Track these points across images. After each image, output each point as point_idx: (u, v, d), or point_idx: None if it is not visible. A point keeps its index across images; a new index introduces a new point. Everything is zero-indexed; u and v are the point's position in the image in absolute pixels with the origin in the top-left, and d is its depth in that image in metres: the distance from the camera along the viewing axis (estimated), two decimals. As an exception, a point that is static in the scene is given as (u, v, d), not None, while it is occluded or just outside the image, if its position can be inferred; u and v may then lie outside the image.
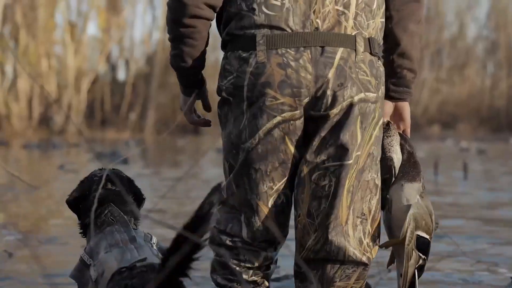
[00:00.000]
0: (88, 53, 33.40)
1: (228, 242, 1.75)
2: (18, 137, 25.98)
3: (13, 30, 31.17)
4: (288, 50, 1.63)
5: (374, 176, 1.73)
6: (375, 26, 1.73)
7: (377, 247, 1.79)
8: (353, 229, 1.72)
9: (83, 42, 31.80)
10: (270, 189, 1.73)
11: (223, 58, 1.79)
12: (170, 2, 1.76)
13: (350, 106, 1.67)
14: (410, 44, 1.78)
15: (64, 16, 31.49)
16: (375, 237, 1.78)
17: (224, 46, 1.79)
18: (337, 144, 1.67)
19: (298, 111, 1.67)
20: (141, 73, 37.02)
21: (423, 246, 1.83)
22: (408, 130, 1.87)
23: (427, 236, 1.82)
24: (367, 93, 1.68)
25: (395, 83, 1.81)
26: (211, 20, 1.78)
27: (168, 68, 38.81)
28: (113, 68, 38.59)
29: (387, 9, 1.79)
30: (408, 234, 1.77)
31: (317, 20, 1.65)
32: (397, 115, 1.85)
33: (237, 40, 1.70)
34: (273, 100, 1.66)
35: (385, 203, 1.85)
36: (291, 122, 1.67)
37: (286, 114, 1.67)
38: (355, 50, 1.67)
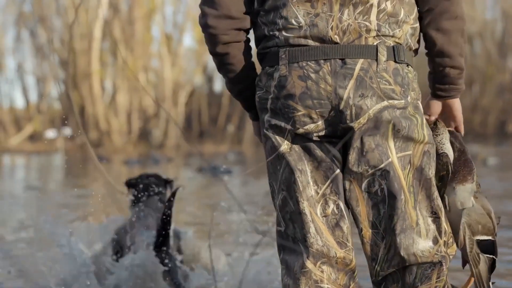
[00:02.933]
0: (184, 65, 33.49)
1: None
2: (118, 152, 26.06)
3: (112, 45, 31.63)
4: (308, 62, 1.71)
5: (434, 173, 1.75)
6: (403, 33, 1.76)
7: (455, 244, 1.78)
8: (426, 229, 1.71)
9: (179, 54, 31.84)
10: (316, 193, 1.75)
11: (258, 76, 1.87)
12: (204, 37, 1.85)
13: (377, 113, 1.71)
14: (447, 42, 1.79)
15: (160, 28, 31.64)
16: (452, 234, 1.77)
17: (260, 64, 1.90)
18: (372, 149, 1.71)
19: (320, 123, 1.73)
20: (237, 84, 36.68)
21: (487, 247, 1.85)
22: (461, 127, 1.90)
23: (489, 237, 1.85)
24: (390, 101, 1.72)
25: (440, 81, 1.83)
26: (244, 41, 1.84)
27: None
28: (209, 79, 38.67)
29: (419, 11, 1.80)
30: (467, 243, 1.82)
31: (336, 36, 1.71)
32: (446, 112, 1.88)
33: (265, 57, 1.80)
34: (294, 111, 1.72)
35: (443, 202, 1.84)
36: (318, 134, 1.73)
37: (309, 127, 1.73)
38: (377, 60, 1.71)
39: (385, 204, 1.73)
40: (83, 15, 30.59)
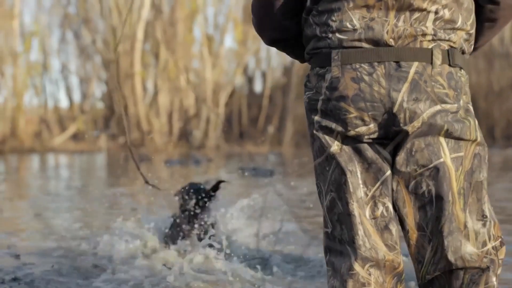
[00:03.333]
0: (225, 66, 33.59)
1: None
2: (160, 152, 26.28)
3: (154, 46, 31.93)
4: (362, 65, 1.70)
5: (485, 176, 1.75)
6: (459, 37, 1.77)
7: (504, 248, 1.73)
8: (475, 233, 1.69)
9: (220, 55, 31.94)
10: (365, 195, 1.73)
11: (306, 76, 1.92)
12: None
13: (430, 118, 1.70)
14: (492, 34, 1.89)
15: (201, 29, 31.77)
16: (500, 238, 1.74)
17: (308, 63, 1.91)
18: (422, 148, 1.69)
19: (372, 125, 1.72)
20: (278, 85, 36.78)
21: None
22: None
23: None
24: (443, 105, 1.72)
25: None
26: (293, 37, 1.91)
27: (306, 79, 38.49)
28: (250, 80, 38.72)
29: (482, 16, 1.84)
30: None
31: (391, 39, 1.70)
32: None
33: (315, 58, 1.81)
34: (346, 113, 1.72)
35: None
36: (370, 137, 1.73)
37: (360, 129, 1.73)
38: (432, 63, 1.70)
39: (432, 205, 1.71)
40: (126, 16, 31.00)
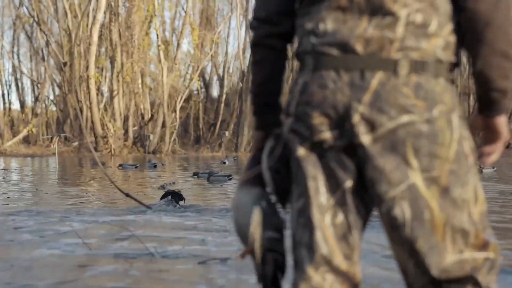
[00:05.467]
0: (181, 70, 33.46)
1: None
2: (114, 156, 25.95)
3: (109, 49, 31.57)
4: (329, 72, 1.70)
5: (460, 192, 1.69)
6: (432, 45, 1.70)
7: (483, 254, 1.72)
8: (453, 244, 1.69)
9: (177, 59, 31.76)
10: (327, 201, 1.72)
11: (280, 88, 1.93)
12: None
13: (393, 130, 1.65)
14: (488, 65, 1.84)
15: (158, 33, 31.56)
16: (480, 246, 1.72)
17: None
18: (389, 169, 1.65)
19: (336, 133, 1.69)
20: (234, 90, 36.76)
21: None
22: (499, 145, 1.85)
23: (278, 235, 1.82)
24: (410, 116, 1.65)
25: (480, 100, 1.79)
26: (278, 49, 1.89)
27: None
28: (206, 85, 38.63)
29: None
30: (257, 237, 1.81)
31: (358, 45, 1.67)
32: (490, 128, 1.82)
33: (300, 63, 1.82)
34: (311, 119, 1.71)
35: None
36: (331, 143, 1.70)
37: (323, 135, 1.70)
38: (396, 74, 1.66)
39: (406, 226, 1.68)
40: (81, 19, 30.51)
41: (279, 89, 1.90)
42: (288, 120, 1.77)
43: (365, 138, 1.67)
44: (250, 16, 38.42)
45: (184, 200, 7.37)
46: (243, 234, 1.83)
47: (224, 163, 20.54)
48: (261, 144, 1.93)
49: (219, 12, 36.17)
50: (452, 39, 1.74)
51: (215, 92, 37.52)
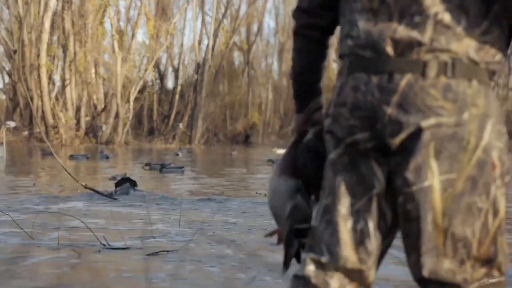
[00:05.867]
0: (136, 60, 33.04)
1: None
2: (65, 147, 25.50)
3: (62, 38, 30.93)
4: (361, 74, 1.73)
5: (476, 200, 1.69)
6: (464, 46, 1.70)
7: (484, 270, 1.72)
8: (453, 251, 1.70)
9: (131, 49, 31.35)
10: (353, 206, 1.77)
11: (320, 77, 1.98)
12: None
13: (418, 132, 1.67)
14: None
15: (112, 22, 31.06)
16: (483, 260, 1.72)
17: None
18: (409, 169, 1.68)
19: (367, 135, 1.73)
20: (190, 82, 36.51)
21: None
22: None
23: (307, 226, 1.92)
24: (438, 118, 1.66)
25: None
26: (316, 40, 1.94)
27: (218, 76, 38.54)
28: (161, 76, 38.28)
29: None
30: (288, 225, 1.95)
31: (389, 48, 1.70)
32: None
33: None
34: (344, 120, 1.76)
35: None
36: (363, 144, 1.75)
37: (356, 136, 1.74)
38: (424, 75, 1.67)
39: (412, 223, 1.72)
40: (33, 6, 29.83)
41: (319, 77, 1.95)
42: (327, 120, 1.81)
43: (393, 138, 1.69)
44: (206, 8, 37.74)
45: (137, 185, 7.38)
46: (276, 217, 1.94)
47: (177, 155, 20.39)
48: (301, 128, 1.99)
49: (175, 2, 35.83)
50: (489, 39, 1.73)
51: (170, 83, 37.30)
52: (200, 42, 34.99)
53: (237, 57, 39.43)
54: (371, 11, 1.74)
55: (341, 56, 1.84)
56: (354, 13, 1.77)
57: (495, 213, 1.72)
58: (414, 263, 1.74)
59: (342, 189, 1.78)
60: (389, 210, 1.79)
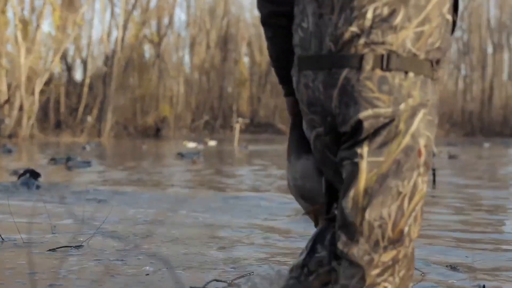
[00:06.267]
0: (42, 52, 31.87)
1: None
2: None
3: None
4: (309, 72, 1.82)
5: (399, 183, 1.78)
6: (400, 38, 1.74)
7: (395, 251, 1.80)
8: (369, 230, 1.78)
9: (36, 40, 30.22)
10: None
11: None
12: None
13: (358, 123, 1.76)
14: None
15: (16, 12, 29.85)
16: (395, 243, 1.79)
17: None
18: (345, 147, 1.80)
19: (322, 128, 1.84)
20: (98, 74, 35.64)
21: None
22: None
23: None
24: (375, 109, 1.74)
25: None
26: (283, 26, 1.96)
27: (128, 69, 37.81)
28: (69, 68, 37.16)
29: None
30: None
31: (330, 43, 1.77)
32: None
33: None
34: (306, 115, 1.87)
35: None
36: (323, 137, 1.85)
37: (317, 130, 1.85)
38: (361, 69, 1.74)
39: (340, 195, 1.84)
40: None
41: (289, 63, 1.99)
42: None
43: (341, 128, 1.79)
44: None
45: (40, 176, 7.11)
46: (310, 198, 2.03)
47: (85, 148, 19.88)
48: (294, 109, 2.04)
49: (82, -7, 34.84)
50: (426, 29, 1.76)
51: (78, 76, 36.23)
52: (109, 34, 34.21)
53: (148, 50, 38.86)
54: (317, 2, 1.79)
55: (294, 46, 1.88)
56: (305, 4, 1.82)
57: (411, 198, 1.79)
58: (333, 233, 1.87)
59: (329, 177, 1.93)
60: None
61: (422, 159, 1.79)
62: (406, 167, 1.78)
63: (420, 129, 1.78)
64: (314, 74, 1.80)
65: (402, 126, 1.76)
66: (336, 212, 1.90)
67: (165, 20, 38.26)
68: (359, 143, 1.78)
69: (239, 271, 2.95)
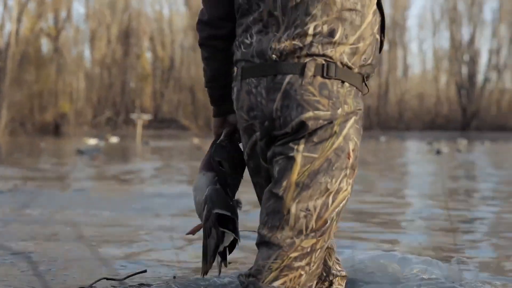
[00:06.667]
0: None
1: None
2: None
3: None
4: (252, 79, 1.96)
5: (328, 180, 1.93)
6: (338, 52, 1.94)
7: (314, 240, 1.94)
8: (295, 220, 1.91)
9: None
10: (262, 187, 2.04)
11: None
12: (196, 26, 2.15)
13: (300, 124, 1.91)
14: None
15: None
16: (317, 232, 1.94)
17: None
18: (282, 143, 1.94)
19: (260, 133, 1.97)
20: (-9, 68, 34.04)
21: (226, 222, 2.09)
22: None
23: (228, 213, 2.09)
24: (316, 112, 1.90)
25: None
26: (222, 49, 2.10)
27: (23, 63, 36.39)
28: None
29: None
30: (204, 214, 2.10)
31: (274, 55, 1.93)
32: None
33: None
34: (244, 122, 1.99)
35: None
36: (259, 142, 1.99)
37: (255, 135, 1.98)
38: (303, 75, 1.90)
39: (271, 183, 1.97)
40: None
41: (230, 82, 2.11)
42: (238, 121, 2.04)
43: (280, 130, 1.93)
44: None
45: None
46: (198, 212, 2.11)
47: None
48: (219, 130, 2.19)
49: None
50: (361, 46, 1.97)
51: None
52: (2, 27, 32.78)
53: (45, 44, 37.56)
54: (261, 21, 1.97)
55: (235, 62, 2.04)
56: (249, 24, 2.00)
57: (336, 195, 1.95)
58: (261, 220, 1.97)
59: (258, 189, 2.08)
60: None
61: (350, 161, 1.95)
62: (336, 166, 1.94)
63: (350, 134, 1.95)
64: (257, 81, 1.95)
65: (336, 128, 1.93)
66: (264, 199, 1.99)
67: (63, 13, 37.10)
68: (296, 140, 1.92)
69: (131, 269, 2.89)
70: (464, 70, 45.84)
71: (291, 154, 1.91)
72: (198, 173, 2.15)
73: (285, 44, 1.92)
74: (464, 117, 43.69)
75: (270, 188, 1.95)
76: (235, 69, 2.04)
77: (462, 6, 46.95)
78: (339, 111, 1.92)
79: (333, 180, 1.93)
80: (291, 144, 1.92)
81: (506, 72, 41.78)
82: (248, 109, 1.96)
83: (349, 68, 1.95)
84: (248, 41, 1.98)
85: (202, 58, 2.14)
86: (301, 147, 1.92)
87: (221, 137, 2.15)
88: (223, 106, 2.16)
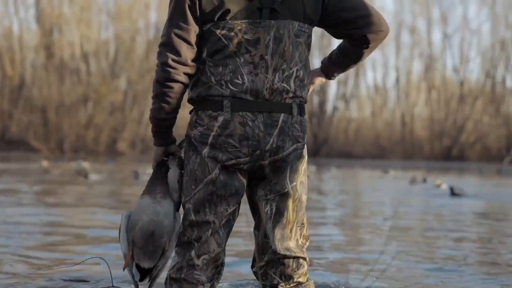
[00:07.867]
0: None
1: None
2: None
3: None
4: (248, 113, 2.38)
5: (305, 197, 2.51)
6: (305, 92, 2.49)
7: (303, 241, 2.53)
8: (295, 234, 2.48)
9: None
10: (226, 211, 2.44)
11: (194, 114, 2.46)
12: (158, 69, 2.40)
13: (288, 154, 2.44)
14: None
15: None
16: (306, 238, 2.55)
17: (192, 103, 2.50)
18: (276, 182, 2.46)
19: (248, 158, 2.41)
20: None
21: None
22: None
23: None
24: (297, 144, 2.46)
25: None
26: (186, 84, 2.43)
27: None
28: None
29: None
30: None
31: (267, 94, 2.39)
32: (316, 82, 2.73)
33: (207, 103, 2.42)
34: (233, 148, 2.39)
35: None
36: (243, 165, 2.42)
37: (240, 159, 2.40)
38: (292, 115, 2.44)
39: (271, 219, 2.46)
40: None
41: (177, 115, 2.44)
42: (205, 148, 2.39)
43: (269, 158, 2.40)
44: None
45: None
46: (160, 234, 2.38)
47: None
48: (160, 158, 2.47)
49: None
50: (308, 83, 2.52)
51: None
52: None
53: None
54: (252, 64, 2.38)
55: (213, 96, 2.37)
56: (238, 65, 2.37)
57: (303, 205, 2.51)
58: (267, 245, 2.45)
59: (218, 200, 2.41)
60: (238, 210, 2.47)
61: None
62: (305, 184, 2.51)
63: (306, 157, 2.51)
64: (254, 116, 2.37)
65: (304, 153, 2.48)
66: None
67: None
68: (283, 175, 2.44)
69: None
70: (315, 99, 48.10)
71: (285, 191, 2.44)
72: (160, 197, 2.38)
73: (277, 86, 2.39)
74: (315, 144, 45.68)
75: (271, 224, 2.49)
76: (216, 102, 2.36)
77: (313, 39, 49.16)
78: (305, 140, 2.48)
79: (304, 195, 2.51)
80: (282, 183, 2.43)
81: (352, 102, 44.40)
82: (242, 138, 2.37)
83: (305, 102, 2.49)
84: (239, 81, 2.36)
85: (167, 92, 2.37)
86: (287, 180, 2.44)
87: (173, 167, 2.43)
88: (168, 137, 2.46)
